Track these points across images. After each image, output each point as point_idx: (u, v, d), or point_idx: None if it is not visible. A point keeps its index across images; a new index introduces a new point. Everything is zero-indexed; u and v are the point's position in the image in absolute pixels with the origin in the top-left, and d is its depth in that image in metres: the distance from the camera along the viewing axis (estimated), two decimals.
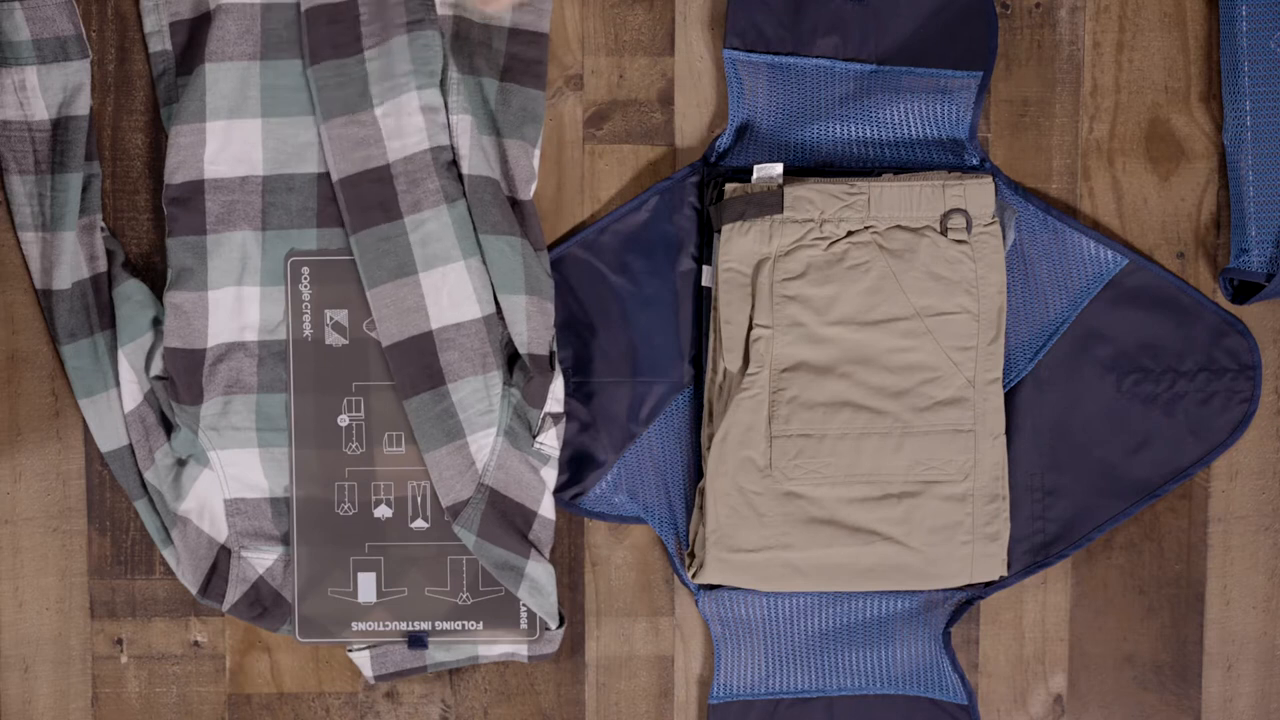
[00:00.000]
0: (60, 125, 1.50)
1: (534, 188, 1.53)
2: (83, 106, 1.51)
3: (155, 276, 1.55)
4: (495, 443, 1.50)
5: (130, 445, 1.52)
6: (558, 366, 1.51)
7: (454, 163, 1.49)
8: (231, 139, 1.49)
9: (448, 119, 1.49)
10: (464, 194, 1.49)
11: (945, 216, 1.51)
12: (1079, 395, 1.58)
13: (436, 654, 1.56)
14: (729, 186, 1.51)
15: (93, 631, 1.58)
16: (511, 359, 1.51)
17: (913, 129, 1.55)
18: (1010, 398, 1.57)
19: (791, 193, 1.50)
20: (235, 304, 1.50)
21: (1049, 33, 1.58)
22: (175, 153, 1.48)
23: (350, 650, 1.56)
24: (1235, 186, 1.57)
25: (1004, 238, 1.53)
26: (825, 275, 1.51)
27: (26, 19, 1.47)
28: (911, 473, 1.52)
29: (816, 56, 1.53)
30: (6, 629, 1.57)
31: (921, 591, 1.57)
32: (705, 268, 1.55)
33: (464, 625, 1.54)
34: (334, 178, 1.49)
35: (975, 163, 1.56)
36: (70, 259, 1.49)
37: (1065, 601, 1.62)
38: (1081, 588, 1.62)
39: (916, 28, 1.53)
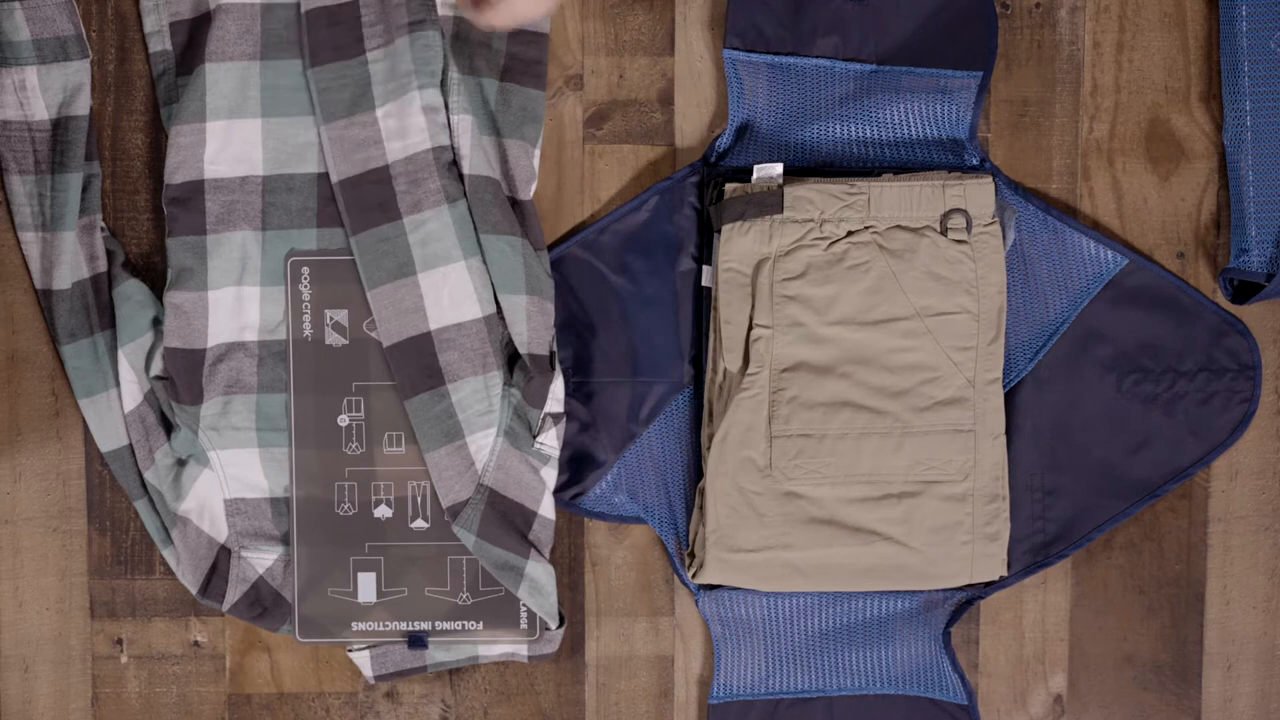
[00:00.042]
0: (60, 125, 1.50)
1: (534, 188, 1.53)
2: (83, 106, 1.51)
3: (155, 276, 1.55)
4: (495, 443, 1.50)
5: (130, 445, 1.52)
6: (558, 366, 1.51)
7: (454, 163, 1.49)
8: (231, 139, 1.49)
9: (448, 119, 1.49)
10: (464, 194, 1.49)
11: (945, 216, 1.51)
12: (1079, 395, 1.58)
13: (436, 654, 1.56)
14: (729, 186, 1.51)
15: (93, 631, 1.58)
16: (512, 359, 1.51)
17: (913, 129, 1.55)
18: (1010, 398, 1.57)
19: (791, 193, 1.50)
20: (235, 304, 1.50)
21: (1049, 33, 1.58)
22: (175, 153, 1.48)
23: (350, 650, 1.56)
24: (1235, 186, 1.57)
25: (1004, 238, 1.53)
26: (825, 275, 1.51)
27: (26, 19, 1.47)
28: (911, 473, 1.52)
29: (816, 56, 1.53)
30: (6, 629, 1.57)
31: (921, 591, 1.57)
32: (705, 268, 1.55)
33: (464, 625, 1.54)
34: (334, 180, 1.49)
35: (975, 163, 1.56)
36: (70, 259, 1.49)
37: (1065, 601, 1.62)
38: (1081, 588, 1.62)
39: (916, 28, 1.53)
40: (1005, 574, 1.56)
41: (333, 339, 1.51)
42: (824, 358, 1.51)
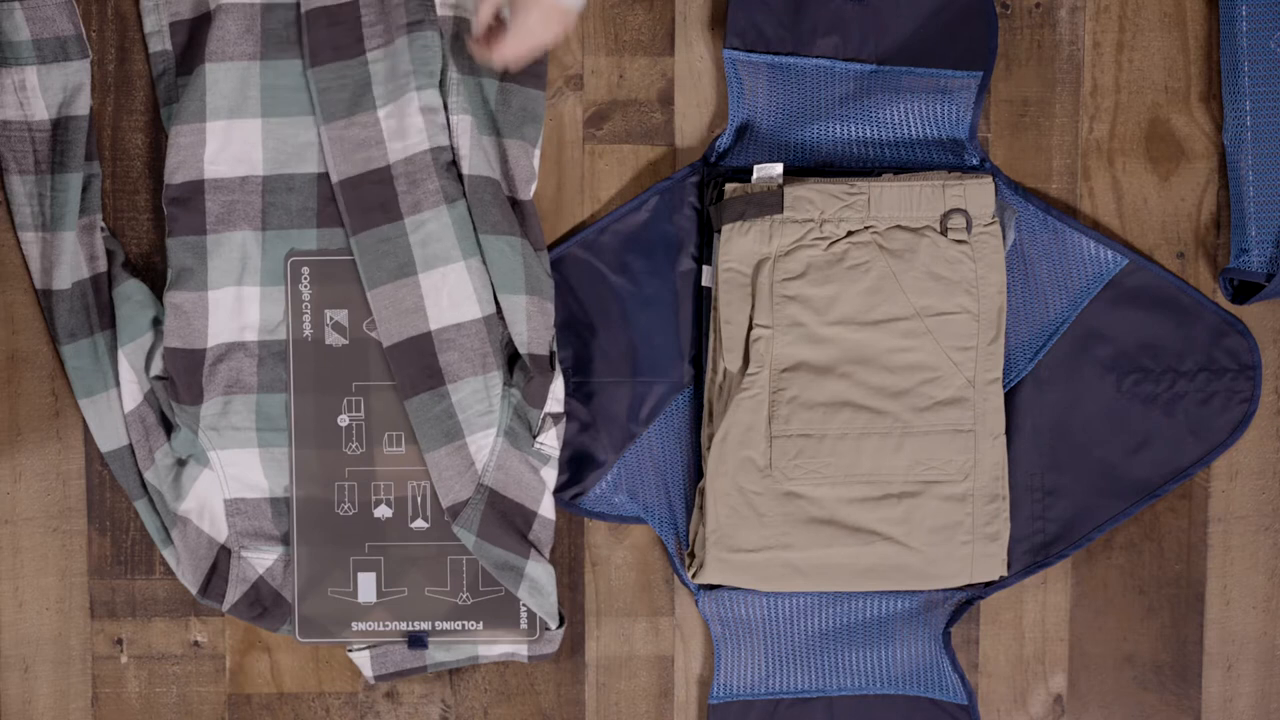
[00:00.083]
0: (60, 125, 1.50)
1: (534, 188, 1.53)
2: (83, 106, 1.51)
3: (155, 276, 1.55)
4: (495, 443, 1.50)
5: (130, 445, 1.52)
6: (558, 366, 1.51)
7: (454, 163, 1.49)
8: (231, 139, 1.49)
9: (447, 119, 1.49)
10: (464, 194, 1.49)
11: (945, 216, 1.51)
12: (1079, 395, 1.58)
13: (436, 654, 1.56)
14: (729, 186, 1.51)
15: (93, 631, 1.58)
16: (512, 359, 1.51)
17: (913, 129, 1.55)
18: (1010, 398, 1.57)
19: (791, 193, 1.50)
20: (235, 304, 1.50)
21: (1049, 33, 1.58)
22: (175, 153, 1.48)
23: (350, 650, 1.56)
24: (1235, 186, 1.57)
25: (1004, 238, 1.53)
26: (825, 275, 1.51)
27: (26, 19, 1.47)
28: (911, 473, 1.52)
29: (816, 56, 1.53)
30: (6, 629, 1.57)
31: (921, 591, 1.57)
32: (705, 268, 1.55)
33: (464, 625, 1.54)
34: (334, 179, 1.49)
35: (975, 163, 1.56)
36: (70, 259, 1.49)
37: (1065, 601, 1.62)
38: (1081, 588, 1.62)
39: (916, 28, 1.53)
40: (1005, 574, 1.56)
41: (333, 339, 1.51)
42: (824, 358, 1.51)
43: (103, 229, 1.53)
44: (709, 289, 1.54)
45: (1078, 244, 1.57)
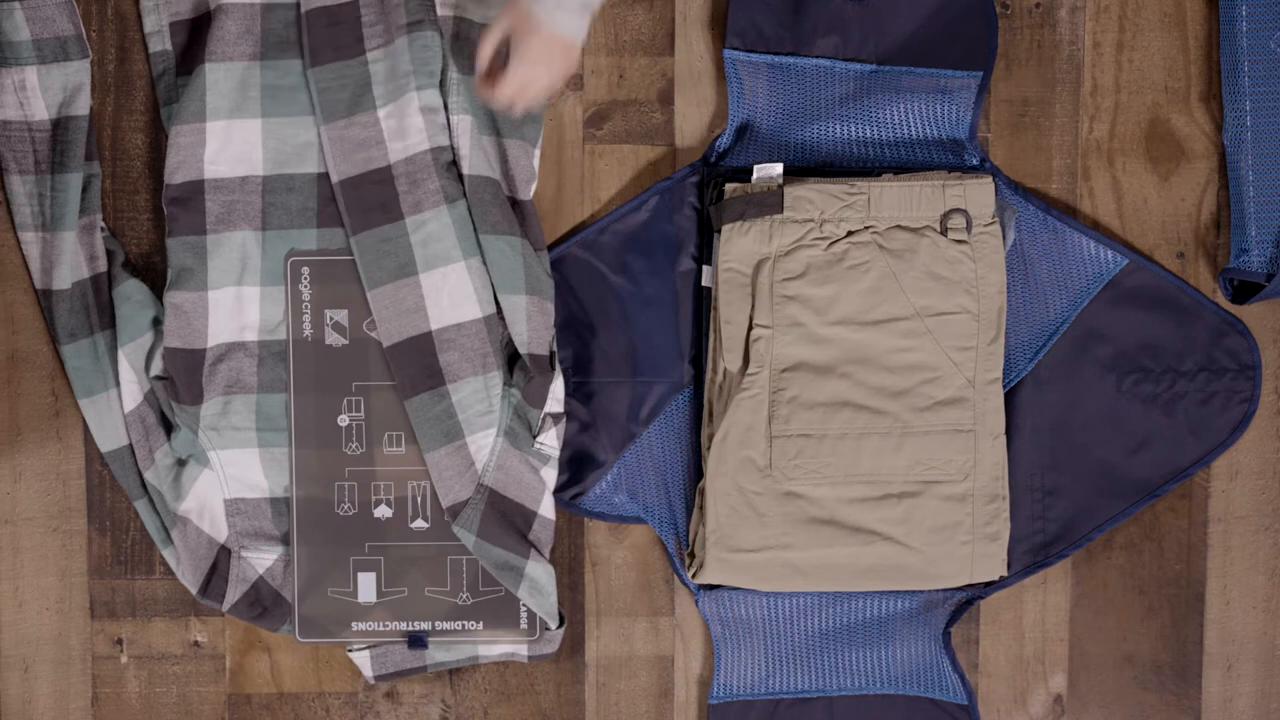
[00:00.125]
0: (60, 125, 1.50)
1: (534, 188, 1.53)
2: (83, 106, 1.51)
3: (155, 276, 1.55)
4: (495, 443, 1.50)
5: (130, 445, 1.52)
6: (558, 366, 1.51)
7: (454, 163, 1.49)
8: (231, 139, 1.49)
9: (447, 119, 1.49)
10: (464, 194, 1.49)
11: (945, 216, 1.51)
12: (1079, 395, 1.58)
13: (436, 654, 1.56)
14: (729, 186, 1.51)
15: (93, 631, 1.58)
16: (512, 359, 1.51)
17: (913, 129, 1.55)
18: (1010, 398, 1.57)
19: (791, 193, 1.50)
20: (235, 304, 1.50)
21: (1049, 33, 1.58)
22: (175, 153, 1.48)
23: (350, 650, 1.56)
24: (1235, 186, 1.57)
25: (1004, 238, 1.53)
26: (825, 275, 1.51)
27: (26, 19, 1.47)
28: (911, 473, 1.52)
29: (816, 56, 1.53)
30: (6, 629, 1.57)
31: (921, 591, 1.57)
32: (705, 268, 1.55)
33: (464, 625, 1.54)
34: (334, 179, 1.49)
35: (975, 163, 1.56)
36: (70, 259, 1.49)
37: (1065, 601, 1.62)
38: (1081, 588, 1.62)
39: (916, 28, 1.53)
40: (1005, 574, 1.56)
41: (333, 339, 1.51)
42: (824, 358, 1.51)
43: (103, 229, 1.53)
44: (709, 289, 1.54)
45: (1078, 244, 1.57)
